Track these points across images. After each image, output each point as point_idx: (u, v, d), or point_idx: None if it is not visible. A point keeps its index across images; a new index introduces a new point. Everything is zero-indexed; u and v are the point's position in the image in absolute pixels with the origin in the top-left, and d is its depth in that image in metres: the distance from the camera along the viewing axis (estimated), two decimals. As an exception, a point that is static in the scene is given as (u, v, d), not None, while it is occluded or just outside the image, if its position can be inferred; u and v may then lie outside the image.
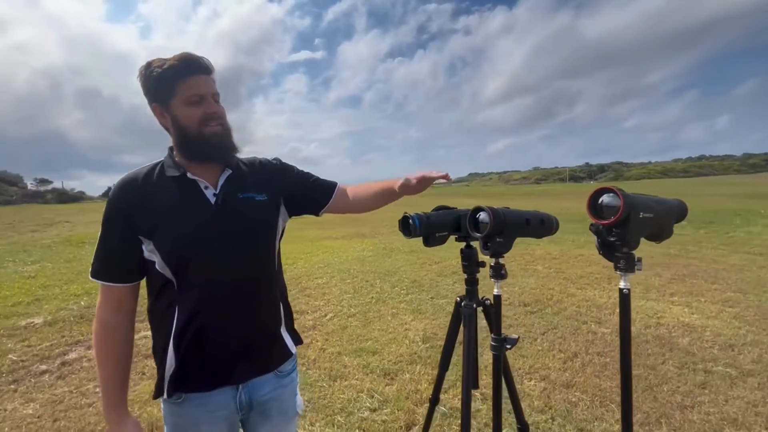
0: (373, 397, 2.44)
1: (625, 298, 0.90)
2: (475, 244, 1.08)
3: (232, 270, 0.95)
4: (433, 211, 1.02)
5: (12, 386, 2.77)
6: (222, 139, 0.96)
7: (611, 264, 0.90)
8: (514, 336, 1.03)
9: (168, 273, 0.93)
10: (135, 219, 0.92)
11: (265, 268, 1.02)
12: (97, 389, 2.70)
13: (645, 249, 6.94)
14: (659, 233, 0.96)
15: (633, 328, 3.45)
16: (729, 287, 4.57)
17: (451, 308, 4.09)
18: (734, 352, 2.93)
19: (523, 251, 7.08)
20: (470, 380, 1.05)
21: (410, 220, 0.94)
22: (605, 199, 0.81)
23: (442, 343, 3.33)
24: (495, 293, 1.03)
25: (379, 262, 6.70)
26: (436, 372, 2.78)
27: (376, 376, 2.71)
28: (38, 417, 2.38)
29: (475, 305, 1.06)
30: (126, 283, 0.95)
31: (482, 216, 0.93)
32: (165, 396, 0.96)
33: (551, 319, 3.72)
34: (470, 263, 1.05)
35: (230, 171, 1.01)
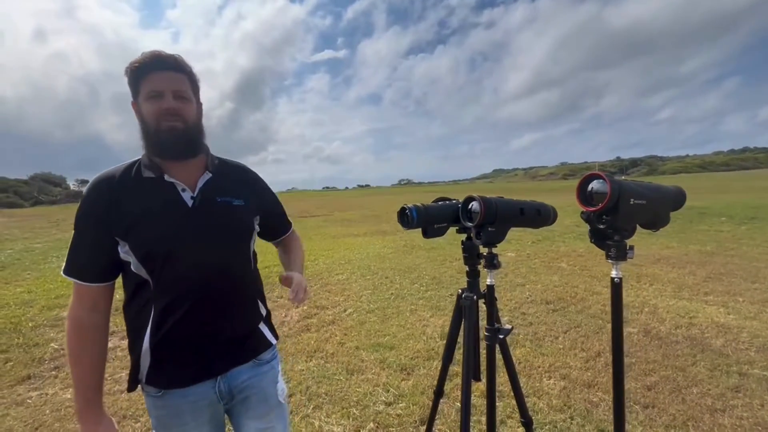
0: (388, 391, 2.46)
1: (617, 288, 0.88)
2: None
3: (207, 272, 0.96)
4: (432, 202, 1.02)
5: (53, 372, 2.97)
6: (179, 136, 0.95)
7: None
8: (508, 326, 1.02)
9: (143, 273, 0.94)
10: (110, 219, 0.92)
11: (240, 269, 1.05)
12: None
13: (679, 247, 6.63)
14: (654, 221, 0.93)
15: (662, 328, 3.31)
16: (771, 286, 4.29)
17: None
18: (773, 354, 2.76)
19: (547, 248, 6.91)
20: (470, 372, 1.04)
21: (407, 211, 0.94)
22: (594, 185, 0.79)
23: (460, 339, 3.33)
24: (488, 283, 1.03)
25: (399, 259, 6.71)
26: (453, 368, 2.78)
27: (392, 371, 2.73)
28: (76, 401, 2.54)
29: (475, 297, 1.05)
30: (101, 282, 0.96)
31: (474, 205, 0.92)
32: (144, 382, 0.99)
33: (574, 317, 3.62)
34: (471, 255, 1.04)
35: (210, 174, 1.03)
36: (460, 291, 1.10)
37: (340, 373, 2.72)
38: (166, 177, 0.96)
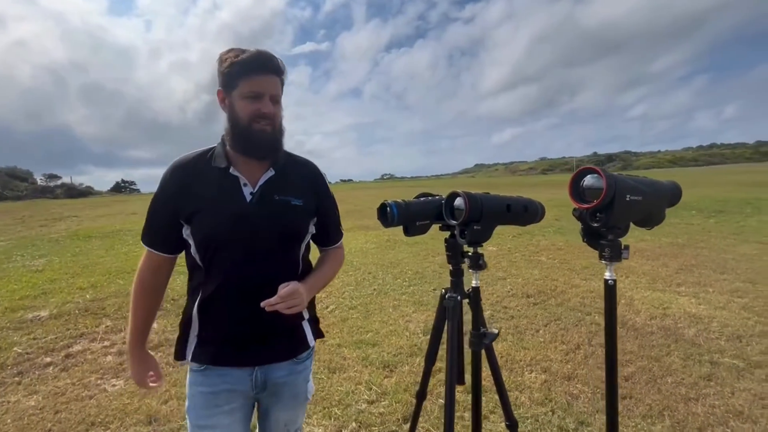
0: (371, 389, 2.42)
1: (610, 290, 0.85)
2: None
3: (254, 267, 1.01)
4: (415, 198, 0.97)
5: (16, 378, 2.81)
6: (267, 139, 1.00)
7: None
8: (494, 330, 0.99)
9: (197, 258, 1.03)
10: (179, 203, 1.01)
11: (287, 268, 1.06)
12: (98, 381, 2.73)
13: (653, 240, 6.84)
14: (649, 218, 0.90)
15: (637, 319, 3.39)
16: (738, 277, 4.47)
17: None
18: (742, 343, 2.86)
19: (528, 242, 7.01)
20: (454, 376, 1.00)
21: (388, 208, 0.89)
22: (587, 180, 0.74)
23: (444, 336, 3.32)
24: (473, 285, 0.98)
25: (382, 254, 6.67)
26: (436, 364, 2.76)
27: (375, 368, 2.70)
28: (40, 409, 2.40)
29: (459, 297, 1.01)
30: (165, 253, 1.07)
31: (458, 202, 0.87)
32: (189, 359, 1.06)
33: (554, 310, 3.67)
34: (454, 253, 1.00)
35: (273, 172, 1.05)
36: (443, 291, 1.06)
37: (322, 372, 2.67)
38: (231, 170, 1.02)
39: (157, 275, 1.10)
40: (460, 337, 1.06)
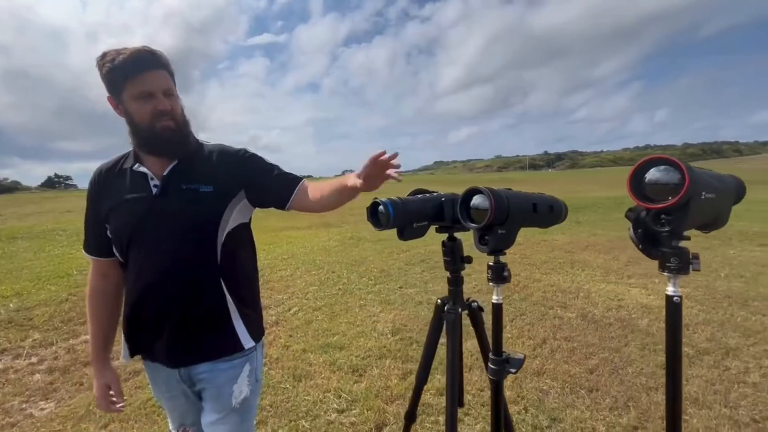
0: (340, 397, 2.29)
1: (676, 310, 0.70)
2: (460, 235, 0.93)
3: (165, 258, 1.00)
4: (409, 195, 0.86)
5: None
6: (173, 135, 1.00)
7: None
8: (519, 355, 0.85)
9: (118, 256, 1.05)
10: (99, 204, 1.05)
11: (202, 258, 1.03)
12: (23, 405, 2.38)
13: (603, 234, 7.24)
14: (716, 220, 0.77)
15: (596, 312, 3.53)
16: (679, 268, 4.81)
17: (420, 298, 3.99)
18: (689, 331, 3.05)
19: (488, 238, 7.16)
20: (456, 398, 0.90)
21: (381, 207, 0.76)
22: (656, 174, 0.62)
23: (412, 335, 3.25)
24: (494, 301, 0.86)
25: (345, 252, 6.52)
26: (406, 366, 2.69)
27: (343, 373, 2.57)
28: (-53, 443, 2.04)
29: (460, 309, 0.92)
30: (103, 257, 1.09)
31: (478, 201, 0.74)
32: (128, 354, 1.08)
33: (519, 305, 3.73)
34: (454, 258, 0.90)
35: (175, 162, 1.03)
36: (439, 301, 0.95)
37: (287, 381, 2.50)
38: (135, 167, 1.02)
39: (105, 280, 1.11)
40: (460, 354, 0.95)
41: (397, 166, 0.85)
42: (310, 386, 2.43)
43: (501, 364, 0.84)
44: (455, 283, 0.93)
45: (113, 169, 1.06)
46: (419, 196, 0.86)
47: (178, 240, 1.00)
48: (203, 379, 1.05)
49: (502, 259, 0.82)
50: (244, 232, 1.13)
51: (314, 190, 1.08)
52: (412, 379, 2.45)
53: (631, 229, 0.73)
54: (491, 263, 0.84)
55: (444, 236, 0.96)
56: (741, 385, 2.29)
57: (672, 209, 0.63)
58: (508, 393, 2.27)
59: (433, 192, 0.88)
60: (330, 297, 4.22)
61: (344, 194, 1.00)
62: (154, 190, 1.01)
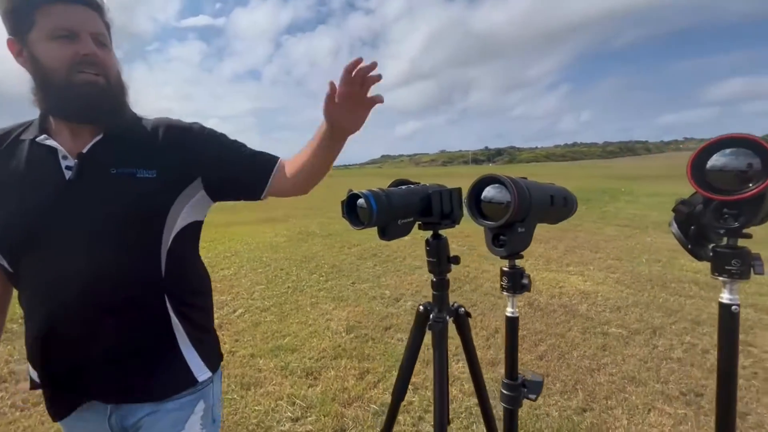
0: (294, 404, 2.15)
1: (732, 319, 0.59)
2: (446, 232, 0.84)
3: (85, 270, 0.72)
4: (390, 187, 0.75)
5: None
6: (101, 95, 0.74)
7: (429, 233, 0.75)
8: (537, 377, 0.74)
9: (5, 264, 0.76)
10: None
11: (138, 269, 0.77)
12: None
13: (541, 225, 7.77)
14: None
15: (541, 299, 3.71)
16: (608, 255, 5.25)
17: (374, 293, 3.91)
18: (621, 313, 3.31)
19: (438, 230, 7.30)
20: (445, 417, 0.82)
21: (361, 201, 0.63)
22: (724, 159, 0.51)
23: (368, 332, 3.16)
24: (509, 314, 0.74)
25: (294, 248, 6.26)
26: (363, 365, 2.61)
27: (296, 377, 2.42)
28: None
29: (447, 316, 0.83)
30: None
31: (493, 193, 0.61)
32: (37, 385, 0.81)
33: (470, 296, 3.81)
34: (440, 259, 0.81)
35: (101, 136, 0.77)
36: (421, 308, 0.86)
37: (234, 390, 2.29)
38: (40, 139, 0.74)
39: None
40: (447, 369, 0.87)
41: (378, 79, 0.67)
42: (261, 394, 2.25)
43: (516, 390, 0.74)
44: (441, 286, 0.84)
45: (2, 140, 0.77)
46: (403, 187, 0.74)
47: (103, 245, 0.73)
48: (143, 426, 0.81)
49: (518, 263, 0.72)
50: (195, 233, 0.88)
51: (291, 166, 0.86)
52: (370, 378, 2.38)
53: (676, 225, 0.62)
54: (506, 268, 0.73)
55: (427, 234, 0.85)
56: (668, 361, 2.52)
57: (743, 202, 0.54)
58: (466, 385, 2.28)
59: (417, 183, 0.78)
60: (279, 296, 4.00)
61: (321, 150, 0.80)
62: (67, 174, 0.73)
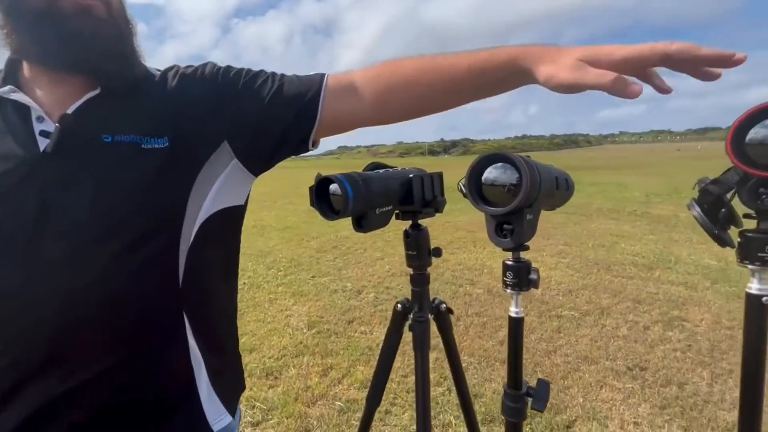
0: (254, 407, 2.03)
1: (762, 310, 0.54)
2: (428, 221, 0.78)
3: (67, 289, 0.50)
4: (366, 170, 0.67)
5: None
6: (96, 28, 0.51)
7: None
8: (544, 382, 0.66)
9: None
10: None
11: (146, 280, 0.54)
12: None
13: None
14: None
15: (499, 285, 3.82)
16: (559, 241, 5.54)
17: (335, 286, 3.82)
18: (573, 296, 3.49)
19: (394, 219, 7.31)
20: (428, 426, 0.77)
21: (335, 187, 0.54)
22: (759, 131, 0.47)
23: (330, 326, 3.08)
24: (513, 314, 0.67)
25: (249, 242, 5.98)
26: (326, 361, 2.53)
27: (256, 379, 2.29)
28: None
29: (429, 315, 0.78)
30: None
31: (497, 173, 0.52)
32: None
33: (431, 285, 3.82)
34: (420, 251, 0.75)
35: (98, 91, 0.54)
36: (398, 306, 0.79)
37: (186, 398, 2.13)
38: (4, 91, 0.51)
39: None
40: (428, 373, 0.81)
41: (738, 62, 0.43)
42: (216, 400, 2.11)
43: (520, 400, 0.65)
44: (421, 282, 0.79)
45: None
46: (381, 171, 0.66)
47: (92, 251, 0.51)
48: None
49: (524, 255, 0.62)
50: (229, 223, 0.65)
51: (382, 78, 0.59)
52: (334, 374, 2.31)
53: (699, 208, 0.55)
54: (510, 262, 0.64)
55: (406, 225, 0.78)
56: (615, 339, 2.68)
57: None
58: (431, 374, 2.27)
59: (393, 167, 0.71)
60: (234, 293, 3.79)
61: (480, 78, 0.55)
62: (42, 143, 0.51)
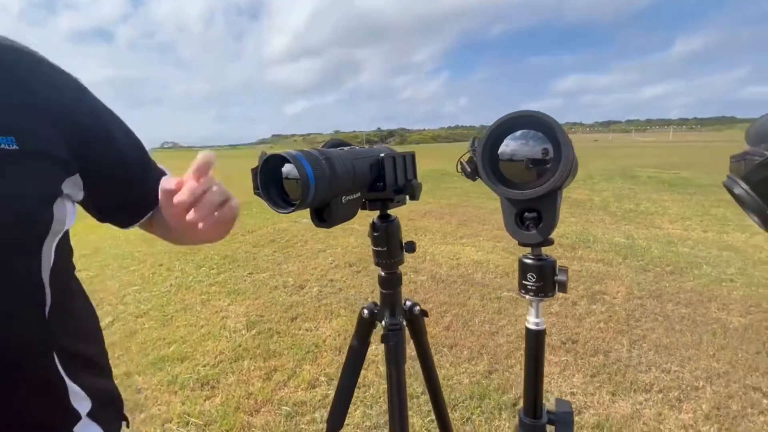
0: (188, 423, 1.82)
1: None
2: (398, 211, 0.68)
3: None
4: (326, 147, 0.53)
5: None
6: None
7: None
8: (566, 406, 0.55)
9: None
10: None
11: (8, 307, 0.45)
12: None
13: (435, 202, 8.19)
14: None
15: (442, 272, 3.90)
16: (494, 227, 5.82)
17: (275, 282, 3.60)
18: (510, 278, 3.68)
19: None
20: None
21: (289, 169, 0.41)
22: None
23: (272, 325, 2.90)
24: (532, 325, 0.56)
25: (175, 239, 5.44)
26: (269, 363, 2.36)
27: (189, 391, 2.06)
28: None
29: (403, 320, 0.68)
30: None
31: (515, 145, 0.40)
32: None
33: (361, 279, 3.79)
34: (391, 246, 0.64)
35: None
36: (365, 311, 0.69)
37: (102, 422, 1.84)
38: None
39: None
40: (405, 386, 0.72)
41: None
42: (143, 421, 1.85)
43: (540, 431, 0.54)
44: (392, 283, 0.68)
45: None
46: (344, 149, 0.52)
47: None
48: None
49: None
50: (69, 244, 0.58)
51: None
52: (279, 377, 2.16)
53: (747, 185, 0.44)
54: (531, 260, 0.52)
55: (373, 215, 0.66)
56: (549, 316, 2.87)
57: None
58: (381, 368, 2.23)
59: (353, 145, 0.57)
60: (159, 297, 3.40)
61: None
62: None
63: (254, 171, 0.43)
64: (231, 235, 4.85)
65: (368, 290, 3.41)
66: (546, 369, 2.21)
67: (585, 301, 3.10)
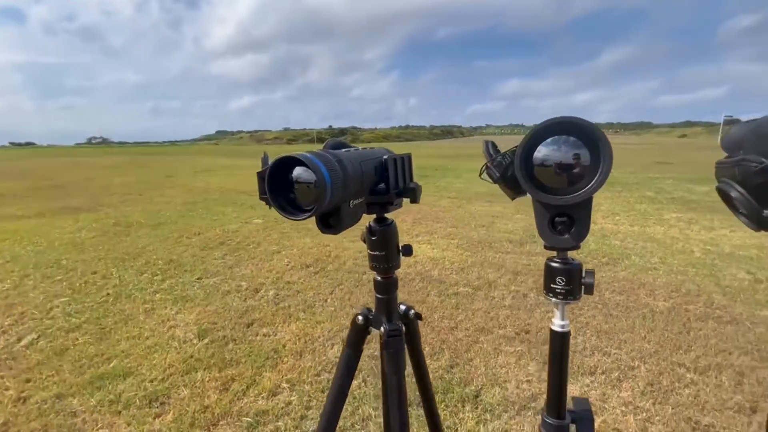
0: (136, 445, 1.66)
1: None
2: (395, 215, 0.65)
3: None
4: (327, 149, 0.48)
5: None
6: None
7: (372, 217, 0.57)
8: (584, 403, 0.55)
9: None
10: None
11: None
12: None
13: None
14: None
15: (400, 270, 3.92)
16: (448, 224, 5.99)
17: (227, 287, 3.43)
18: (465, 273, 3.81)
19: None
20: None
21: (301, 170, 0.37)
22: None
23: (226, 332, 2.75)
24: (558, 327, 0.54)
25: (110, 245, 4.96)
26: (225, 373, 2.23)
27: (135, 410, 1.89)
28: None
29: (402, 325, 0.65)
30: None
31: (548, 151, 0.39)
32: None
33: (335, 275, 3.74)
34: (389, 252, 0.61)
35: None
36: (359, 318, 0.65)
37: (31, 454, 1.63)
38: None
39: None
40: (405, 396, 0.69)
41: None
42: (80, 447, 1.66)
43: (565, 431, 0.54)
44: (389, 287, 0.66)
45: None
46: (350, 150, 0.50)
47: None
48: None
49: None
50: None
51: None
52: (237, 387, 2.05)
53: (742, 189, 0.44)
54: (558, 263, 0.50)
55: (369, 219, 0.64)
56: (503, 309, 3.01)
57: None
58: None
59: (355, 147, 0.55)
60: (93, 308, 3.08)
61: None
62: None
63: (260, 175, 0.39)
64: (175, 237, 4.55)
65: (327, 291, 3.35)
66: (503, 359, 2.31)
67: (534, 293, 3.29)
